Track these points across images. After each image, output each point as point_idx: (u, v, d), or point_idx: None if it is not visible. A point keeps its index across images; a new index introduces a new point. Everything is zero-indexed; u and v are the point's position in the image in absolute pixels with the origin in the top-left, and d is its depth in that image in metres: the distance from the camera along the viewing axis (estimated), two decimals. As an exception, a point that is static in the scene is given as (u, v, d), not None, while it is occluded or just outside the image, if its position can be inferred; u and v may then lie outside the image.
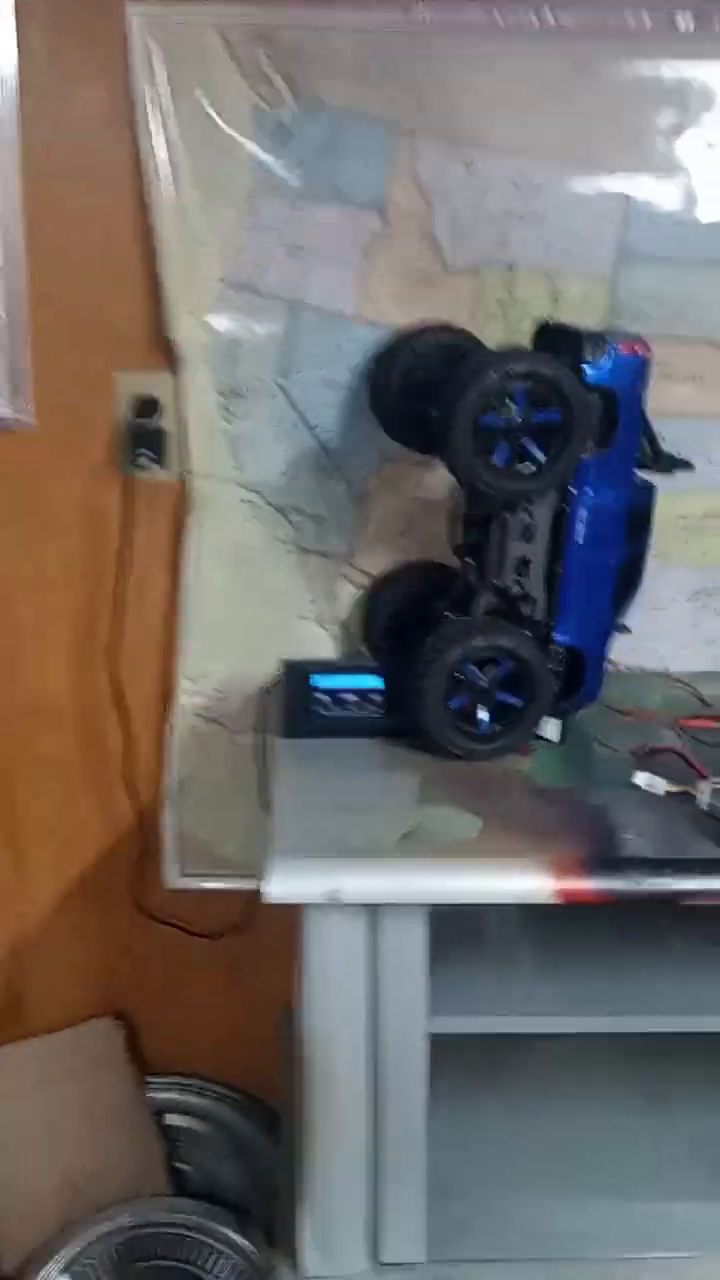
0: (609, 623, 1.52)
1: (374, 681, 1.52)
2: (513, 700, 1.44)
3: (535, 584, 1.48)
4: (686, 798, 1.38)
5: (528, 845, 1.30)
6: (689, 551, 1.74)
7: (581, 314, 1.61)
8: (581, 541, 1.46)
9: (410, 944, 1.30)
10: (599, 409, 1.38)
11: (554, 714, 1.49)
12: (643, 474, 1.50)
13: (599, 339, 1.39)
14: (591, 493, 1.44)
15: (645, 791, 1.41)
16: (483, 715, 1.44)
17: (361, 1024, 1.32)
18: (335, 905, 1.24)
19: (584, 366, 1.37)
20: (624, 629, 1.63)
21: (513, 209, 1.61)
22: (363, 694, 1.53)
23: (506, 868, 1.28)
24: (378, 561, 1.71)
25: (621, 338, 1.41)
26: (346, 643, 1.74)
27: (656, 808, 1.38)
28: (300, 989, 1.33)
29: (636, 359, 1.41)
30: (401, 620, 1.65)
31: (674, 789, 1.39)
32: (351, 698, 1.58)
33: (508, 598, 1.49)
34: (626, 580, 1.52)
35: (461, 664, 1.41)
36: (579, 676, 1.51)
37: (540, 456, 1.35)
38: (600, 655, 1.53)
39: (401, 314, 1.62)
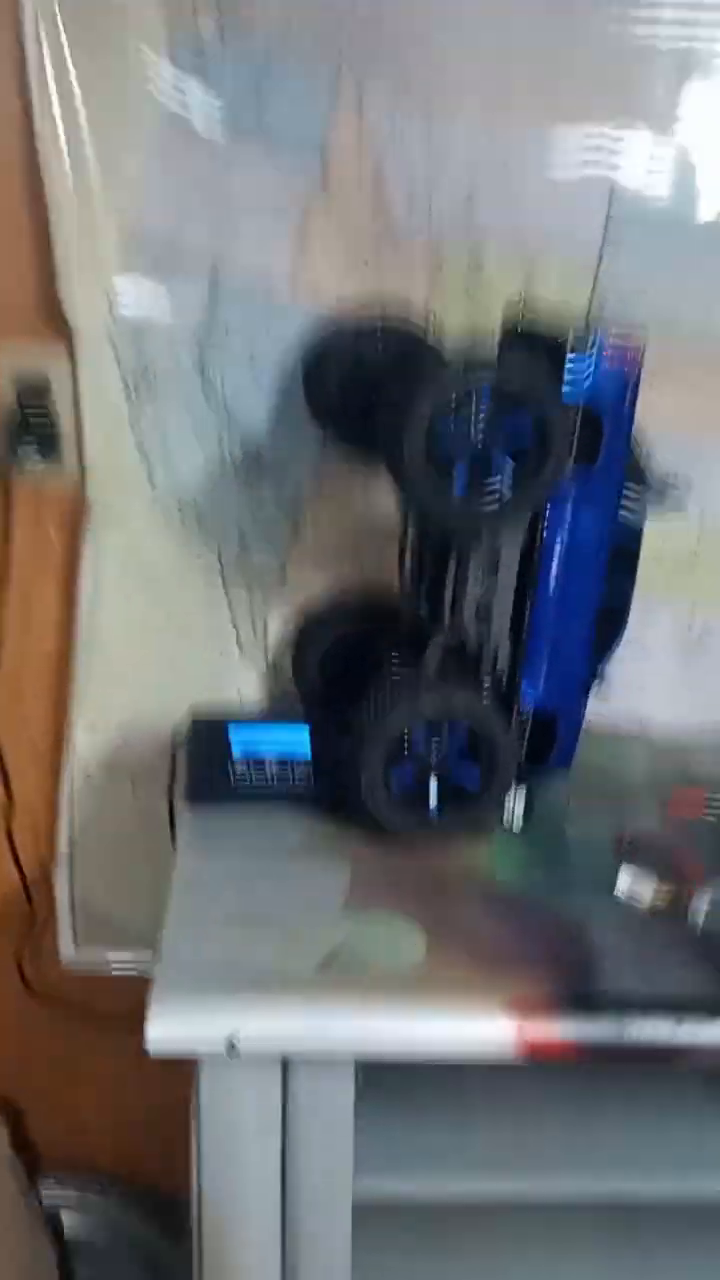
0: (586, 677, 1.27)
1: (301, 738, 1.31)
2: (469, 774, 1.22)
3: (499, 630, 1.24)
4: (677, 911, 1.11)
5: (482, 975, 1.03)
6: (678, 589, 1.51)
7: (562, 306, 1.39)
8: (555, 580, 1.22)
9: (332, 1104, 1.03)
10: (579, 423, 1.16)
11: (518, 784, 1.27)
12: (629, 500, 1.26)
13: (582, 339, 1.14)
14: (569, 522, 1.20)
15: (628, 898, 1.13)
16: (432, 792, 1.22)
17: (271, 1200, 1.04)
18: (236, 1057, 0.96)
19: (564, 373, 1.13)
20: (599, 677, 1.35)
21: (480, 177, 1.35)
22: (288, 754, 1.30)
23: (456, 1010, 1.00)
24: (315, 588, 1.48)
25: (610, 337, 1.16)
26: (276, 684, 1.53)
27: (642, 920, 1.10)
28: (194, 1154, 1.04)
29: (626, 364, 1.16)
30: (341, 661, 1.43)
31: (661, 902, 1.11)
32: (274, 759, 1.32)
33: (465, 646, 1.25)
34: (608, 625, 1.29)
35: (406, 731, 1.19)
36: (549, 742, 1.27)
37: (508, 483, 1.12)
38: (575, 717, 1.28)
39: (345, 292, 1.38)
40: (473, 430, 1.14)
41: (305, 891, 1.12)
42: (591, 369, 1.16)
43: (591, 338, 1.13)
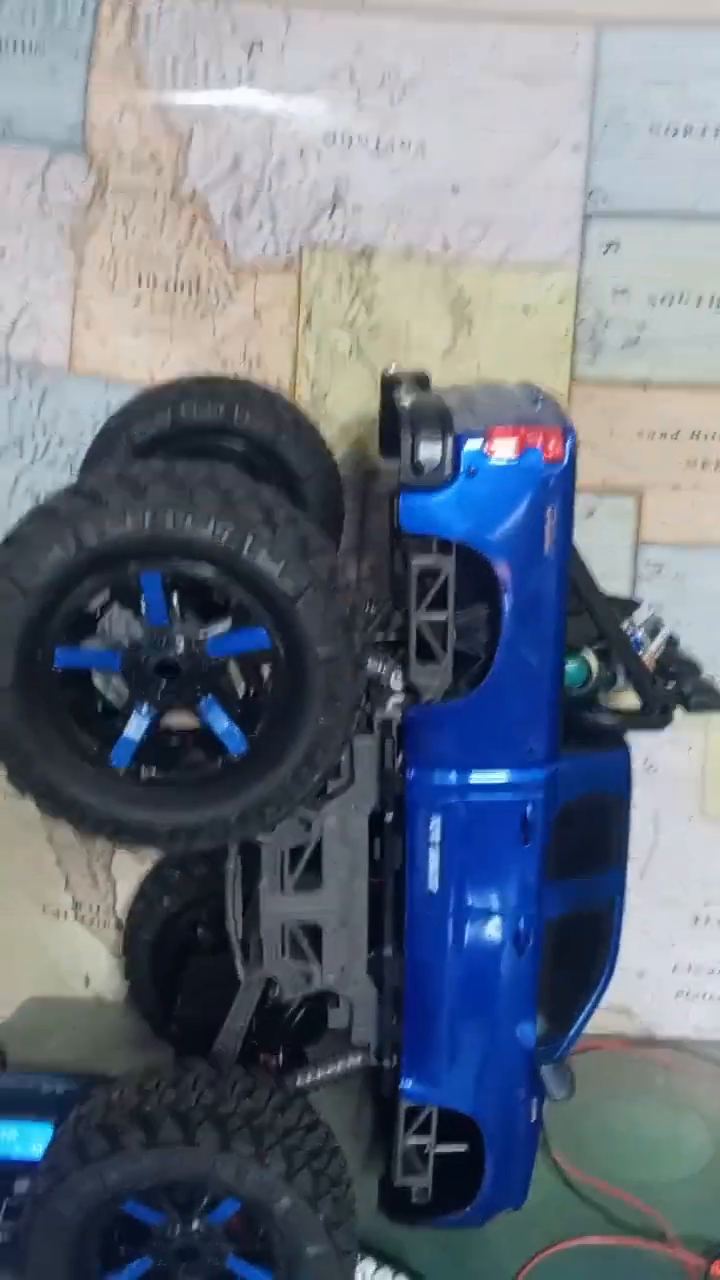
0: (529, 1061, 0.76)
1: (34, 1142, 0.81)
2: (255, 1277, 0.72)
3: (347, 977, 0.75)
4: None
5: None
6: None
7: (521, 342, 0.91)
8: (436, 888, 0.72)
9: None
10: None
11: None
12: (600, 719, 0.76)
13: (437, 421, 0.65)
14: (450, 780, 0.70)
15: None
16: None
17: None
18: None
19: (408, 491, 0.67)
20: (562, 1085, 0.75)
21: (355, 130, 0.87)
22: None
23: None
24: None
25: (512, 411, 0.69)
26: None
27: None
28: None
29: (532, 464, 0.66)
30: (187, 935, 0.98)
31: None
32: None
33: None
34: (578, 956, 0.78)
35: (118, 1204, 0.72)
36: (475, 1165, 0.78)
37: (231, 737, 0.64)
38: (519, 1124, 0.77)
39: (156, 355, 0.93)
40: (132, 645, 0.62)
41: None
42: (460, 478, 0.65)
43: (447, 415, 0.66)
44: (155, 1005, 1.03)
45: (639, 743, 0.78)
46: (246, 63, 0.86)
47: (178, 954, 1.01)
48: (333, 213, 0.89)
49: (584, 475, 0.80)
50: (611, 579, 0.84)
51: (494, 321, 0.90)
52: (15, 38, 0.88)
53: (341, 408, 0.92)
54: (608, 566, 0.88)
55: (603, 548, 0.85)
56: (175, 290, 0.92)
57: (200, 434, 0.86)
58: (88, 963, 1.11)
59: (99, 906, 1.09)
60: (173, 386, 0.89)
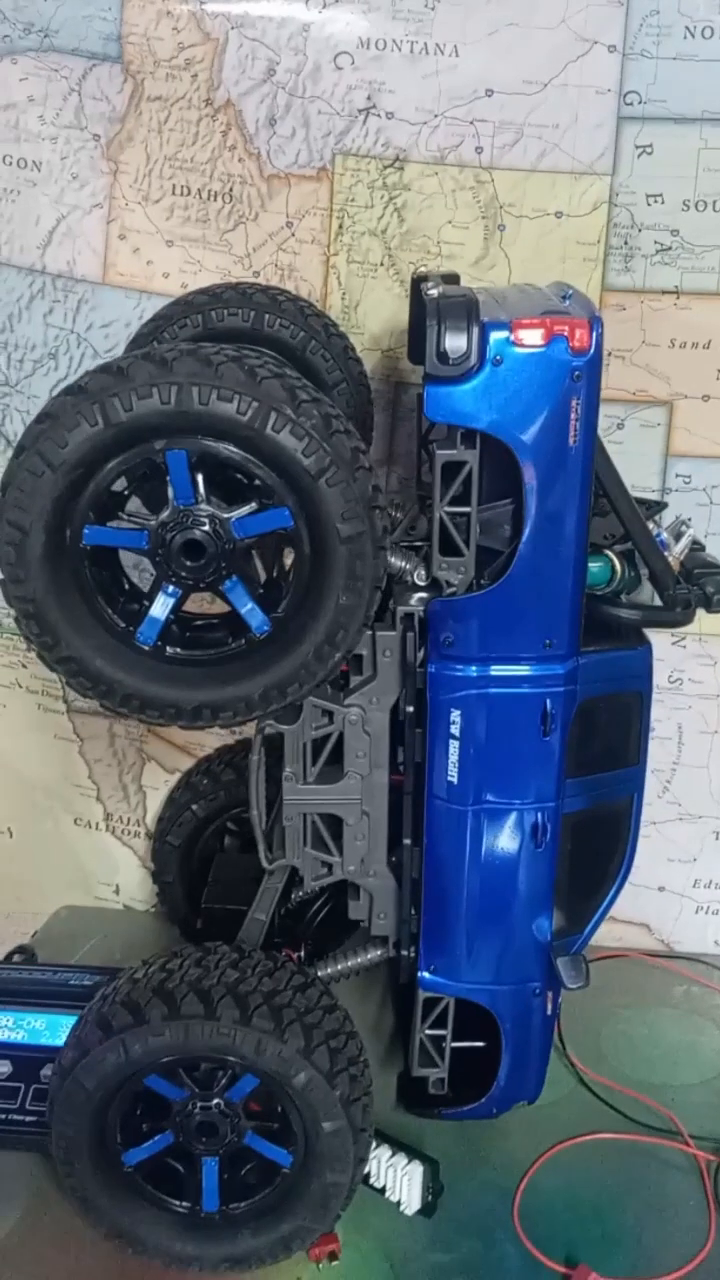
0: (549, 948, 0.76)
1: (56, 1031, 0.83)
2: (272, 1154, 0.73)
3: (367, 868, 0.76)
4: None
5: None
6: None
7: (553, 250, 0.89)
8: (456, 781, 0.72)
9: None
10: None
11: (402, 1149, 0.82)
12: (619, 612, 0.74)
13: (463, 310, 0.65)
14: (471, 673, 0.70)
15: None
16: (208, 1176, 0.73)
17: None
18: None
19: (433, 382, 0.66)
20: (577, 976, 0.75)
21: (389, 35, 0.86)
22: (26, 1061, 0.82)
23: None
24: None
25: (540, 305, 0.68)
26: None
27: None
28: None
29: (558, 353, 0.65)
30: (215, 842, 1.01)
31: None
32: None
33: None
34: (595, 853, 0.78)
35: (140, 1078, 0.72)
36: (489, 1056, 0.79)
37: (254, 616, 0.64)
38: (534, 1016, 0.77)
39: (189, 265, 0.93)
40: (158, 523, 0.62)
41: None
42: (486, 368, 0.64)
43: (476, 301, 0.65)
44: (184, 911, 1.03)
45: (663, 658, 0.78)
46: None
47: (206, 860, 1.01)
48: (365, 119, 0.86)
49: (615, 386, 0.78)
50: (640, 492, 0.85)
51: (526, 229, 0.87)
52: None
53: (372, 318, 0.91)
54: (637, 479, 0.88)
55: (632, 460, 0.85)
56: (208, 200, 0.90)
57: (231, 340, 0.87)
58: (117, 873, 1.11)
59: (129, 818, 1.10)
60: (204, 293, 0.87)
